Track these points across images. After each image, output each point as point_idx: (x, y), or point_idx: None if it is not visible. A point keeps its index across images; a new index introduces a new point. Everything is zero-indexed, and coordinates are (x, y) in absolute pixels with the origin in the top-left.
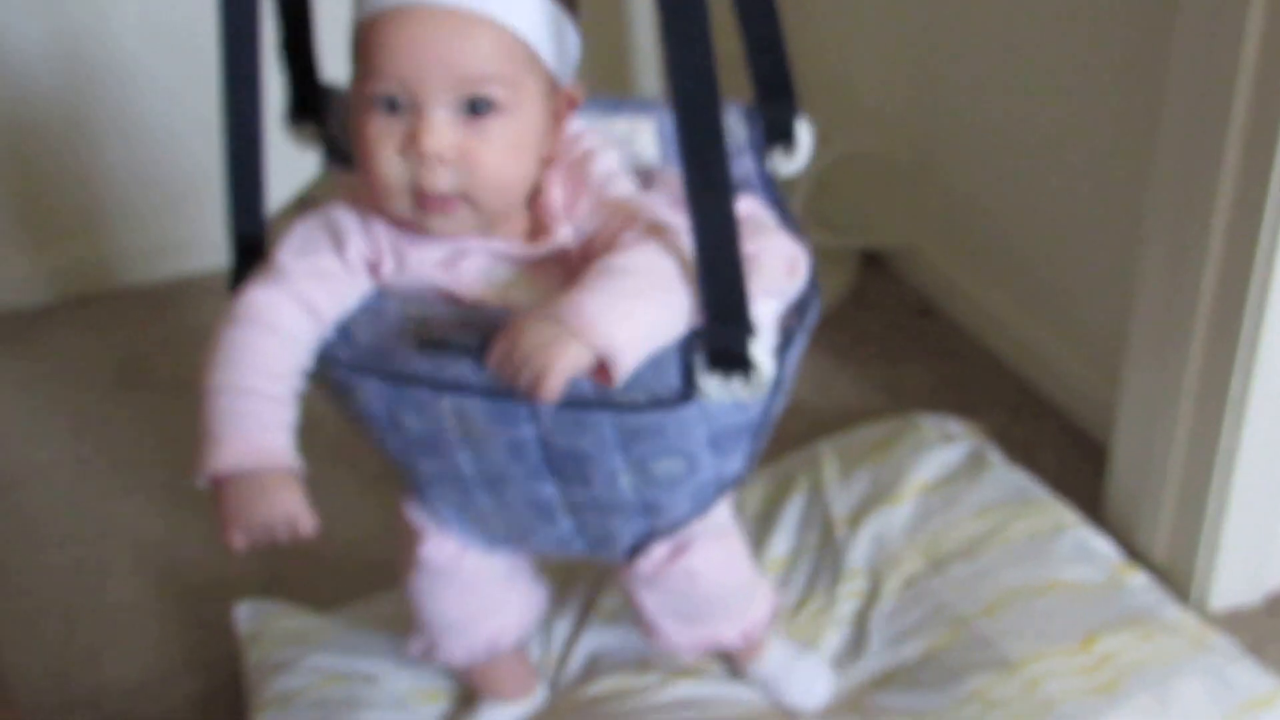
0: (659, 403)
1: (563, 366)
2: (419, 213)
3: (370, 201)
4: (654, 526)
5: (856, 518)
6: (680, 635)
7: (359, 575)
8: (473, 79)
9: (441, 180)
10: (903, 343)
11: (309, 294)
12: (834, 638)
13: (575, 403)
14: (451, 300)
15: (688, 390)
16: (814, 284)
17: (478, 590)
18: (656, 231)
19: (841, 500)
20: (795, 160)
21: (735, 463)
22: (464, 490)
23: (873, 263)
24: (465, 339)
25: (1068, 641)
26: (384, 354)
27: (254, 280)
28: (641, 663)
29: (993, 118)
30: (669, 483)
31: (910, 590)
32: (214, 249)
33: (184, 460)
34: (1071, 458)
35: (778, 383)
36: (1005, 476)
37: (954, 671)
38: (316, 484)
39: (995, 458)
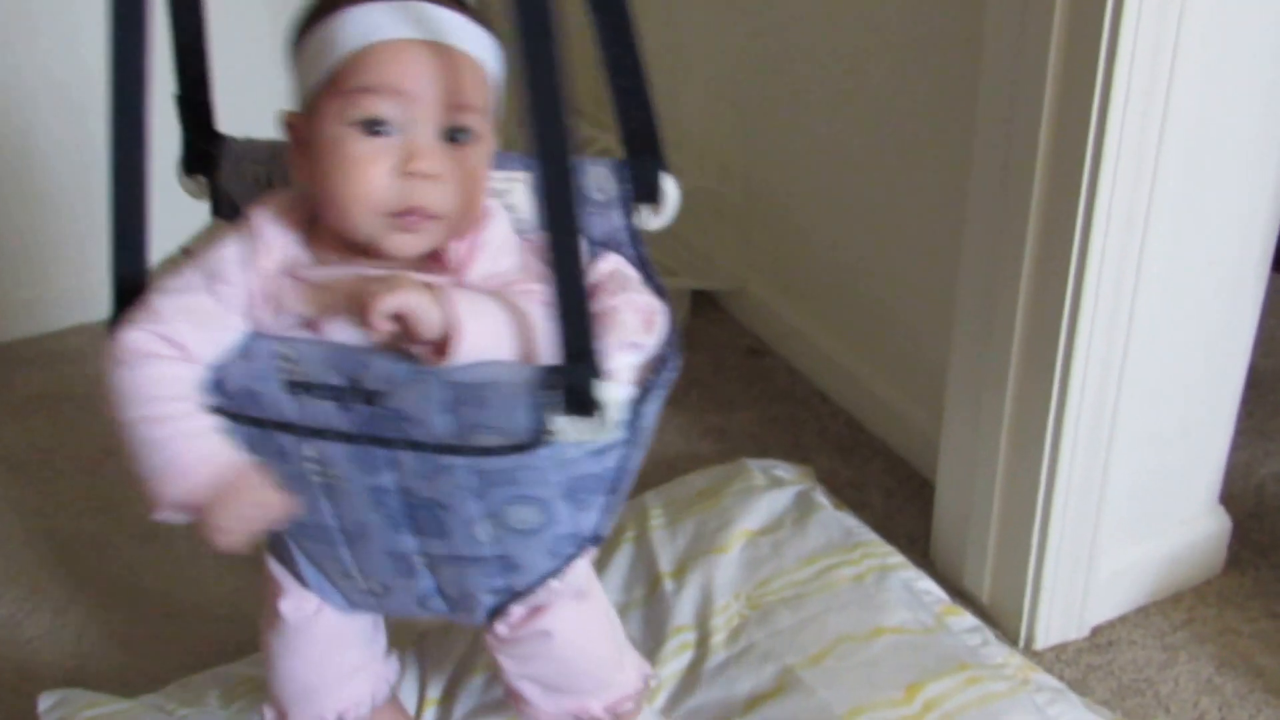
0: (513, 446)
1: (405, 295)
2: (390, 230)
3: (301, 218)
4: (512, 585)
5: (683, 569)
6: (545, 704)
7: (166, 658)
8: (457, 108)
9: (432, 198)
10: (733, 385)
11: (177, 334)
12: (662, 694)
13: (433, 446)
14: (319, 335)
15: (540, 431)
16: (672, 340)
17: (331, 655)
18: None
19: (668, 552)
20: (661, 216)
21: (592, 517)
22: (327, 543)
23: (702, 302)
24: (332, 379)
25: (892, 690)
26: (252, 397)
27: (126, 321)
28: None
29: (821, 158)
30: (525, 534)
31: (737, 642)
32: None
33: None
34: (900, 497)
35: (634, 434)
36: (832, 520)
37: None
38: (131, 566)
39: (823, 500)
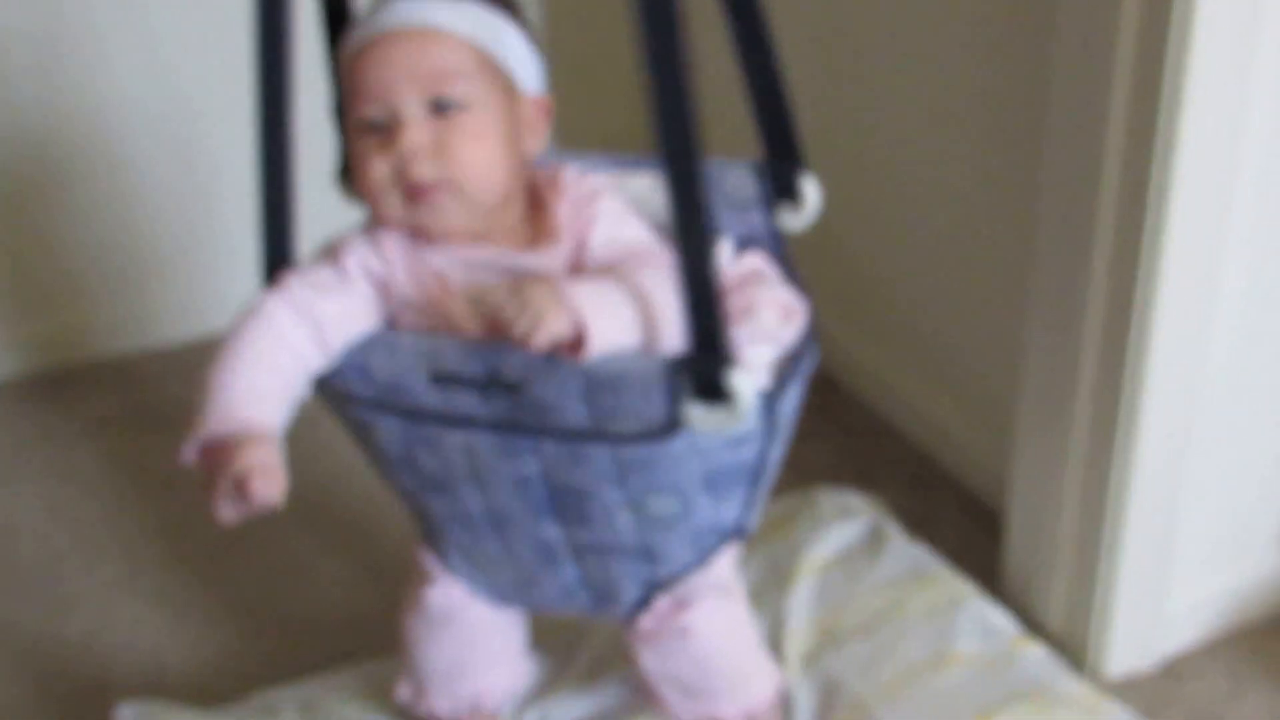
0: (648, 433)
1: (551, 328)
2: (410, 208)
3: (379, 224)
4: (655, 575)
5: (755, 599)
6: (681, 708)
7: (242, 672)
8: (435, 80)
9: (423, 170)
10: (805, 418)
11: (306, 301)
12: None
13: (571, 433)
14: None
15: (673, 419)
16: (811, 335)
17: (476, 641)
18: (660, 267)
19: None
20: (802, 216)
21: (732, 509)
22: (473, 533)
23: None
24: (473, 370)
25: None
26: (400, 389)
27: (261, 295)
28: None
29: (888, 191)
30: (665, 523)
31: (810, 668)
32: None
33: (67, 556)
34: (969, 529)
35: (771, 426)
36: (904, 550)
37: None
38: (204, 581)
39: (894, 531)
